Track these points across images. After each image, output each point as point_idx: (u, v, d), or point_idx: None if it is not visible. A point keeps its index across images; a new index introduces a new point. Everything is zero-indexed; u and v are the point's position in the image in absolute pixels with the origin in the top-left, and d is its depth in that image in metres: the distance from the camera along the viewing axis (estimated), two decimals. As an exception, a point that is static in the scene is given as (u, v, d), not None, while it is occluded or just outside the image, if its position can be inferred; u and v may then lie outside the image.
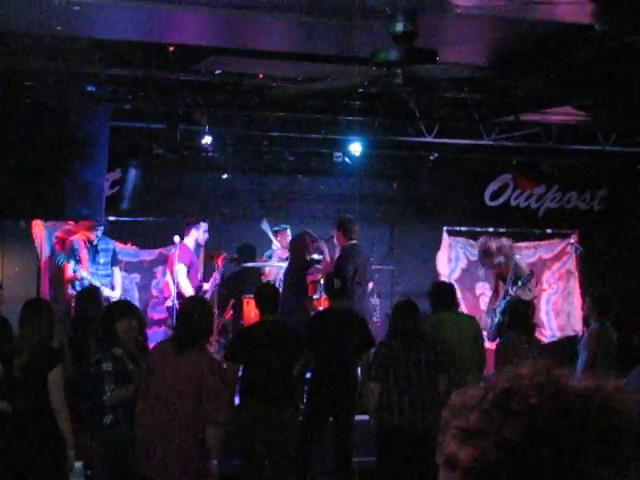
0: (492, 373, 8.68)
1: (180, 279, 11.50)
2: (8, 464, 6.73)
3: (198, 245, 11.98)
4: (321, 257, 11.85)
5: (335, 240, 11.73)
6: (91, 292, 9.13)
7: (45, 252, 12.18)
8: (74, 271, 11.16)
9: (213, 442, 6.45)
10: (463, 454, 1.46)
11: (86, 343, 8.15)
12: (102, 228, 11.40)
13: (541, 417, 1.40)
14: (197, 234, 11.94)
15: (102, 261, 11.48)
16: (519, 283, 11.28)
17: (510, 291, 11.15)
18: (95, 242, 11.43)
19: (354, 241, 11.48)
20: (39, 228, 12.18)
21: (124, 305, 7.68)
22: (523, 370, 1.47)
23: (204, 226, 11.96)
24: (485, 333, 11.91)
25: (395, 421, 7.67)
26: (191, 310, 6.62)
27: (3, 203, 10.10)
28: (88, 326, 8.30)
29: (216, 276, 12.04)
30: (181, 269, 11.54)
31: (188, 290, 11.44)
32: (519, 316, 8.79)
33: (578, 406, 1.42)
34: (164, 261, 12.26)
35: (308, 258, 11.72)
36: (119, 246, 12.63)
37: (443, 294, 8.83)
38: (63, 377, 6.87)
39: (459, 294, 13.59)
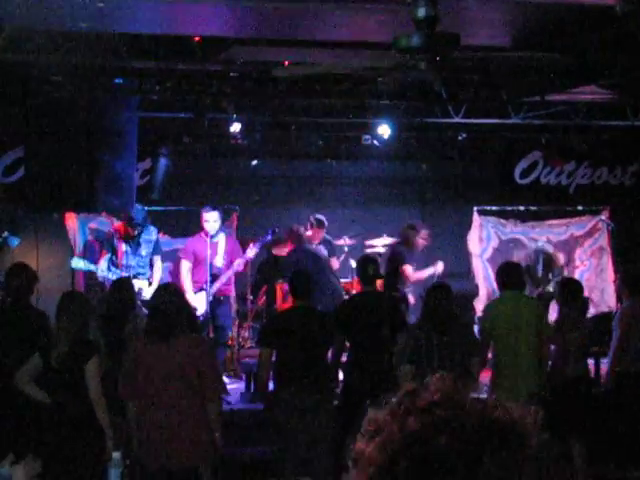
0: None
1: (182, 275, 11.31)
2: (47, 455, 6.84)
3: (207, 235, 11.20)
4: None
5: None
6: (122, 282, 9.21)
7: (79, 244, 12.32)
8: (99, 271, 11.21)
9: (214, 417, 6.62)
10: (369, 447, 1.57)
11: (118, 333, 8.25)
12: (140, 227, 11.33)
13: (441, 411, 1.54)
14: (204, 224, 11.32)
15: (144, 252, 11.45)
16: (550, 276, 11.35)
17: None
18: (136, 233, 11.39)
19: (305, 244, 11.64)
20: (72, 220, 12.32)
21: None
22: (431, 380, 1.62)
23: (204, 215, 11.24)
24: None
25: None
26: (158, 299, 6.71)
27: (35, 197, 10.24)
28: (121, 317, 8.39)
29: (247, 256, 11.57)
30: (183, 266, 11.35)
31: (187, 287, 11.08)
32: (571, 293, 8.79)
33: (473, 406, 1.57)
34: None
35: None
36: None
37: (507, 273, 8.77)
38: (100, 368, 6.96)
39: (491, 273, 13.64)
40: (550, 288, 11.89)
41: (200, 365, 6.50)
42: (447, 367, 7.65)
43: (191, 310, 7.43)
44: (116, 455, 6.75)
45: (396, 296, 11.34)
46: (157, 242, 11.64)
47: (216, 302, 11.16)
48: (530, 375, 8.35)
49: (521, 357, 8.35)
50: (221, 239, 11.25)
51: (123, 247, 11.29)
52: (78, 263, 11.30)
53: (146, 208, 11.56)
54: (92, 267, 11.25)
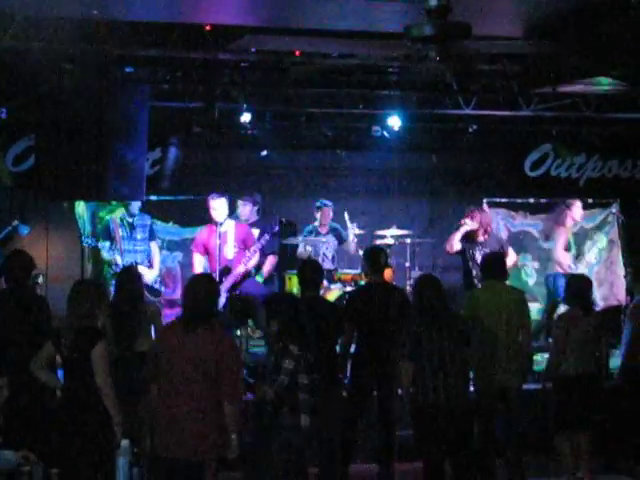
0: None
1: (194, 269, 11.13)
2: (57, 440, 6.87)
3: (216, 223, 10.99)
4: None
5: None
6: (130, 271, 9.20)
7: (88, 230, 12.32)
8: (107, 251, 11.23)
9: (232, 418, 6.51)
10: None
11: (127, 322, 8.26)
12: (138, 204, 11.42)
13: None
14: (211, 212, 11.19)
15: (139, 237, 11.48)
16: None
17: None
18: (131, 219, 11.46)
19: None
20: (81, 208, 12.33)
21: None
22: None
23: (211, 202, 11.05)
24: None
25: (428, 398, 7.65)
26: (195, 288, 6.68)
27: (46, 185, 10.25)
28: (130, 306, 8.39)
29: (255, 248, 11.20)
30: (195, 259, 11.21)
31: None
32: (575, 291, 8.76)
33: None
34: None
35: None
36: (161, 225, 12.74)
37: (490, 264, 8.80)
38: (106, 355, 6.95)
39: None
40: None
41: (222, 363, 6.44)
42: (447, 363, 7.62)
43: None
44: (124, 443, 6.75)
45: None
46: (151, 228, 11.66)
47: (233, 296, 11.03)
48: (510, 365, 8.38)
49: (501, 347, 8.35)
50: (230, 227, 11.10)
51: (120, 232, 11.33)
52: (86, 239, 11.37)
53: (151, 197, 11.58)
54: (100, 244, 11.27)
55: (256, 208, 12.07)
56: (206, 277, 7.22)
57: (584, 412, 8.52)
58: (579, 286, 8.78)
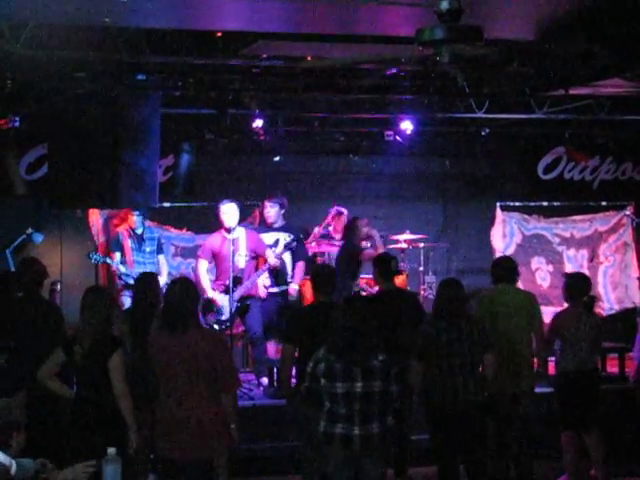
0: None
1: (199, 275, 11.14)
2: (73, 447, 6.87)
3: (226, 230, 11.08)
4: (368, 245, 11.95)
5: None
6: (148, 277, 9.20)
7: (102, 240, 12.36)
8: (115, 264, 11.35)
9: (230, 409, 6.70)
10: None
11: (146, 329, 8.25)
12: (141, 217, 11.51)
13: None
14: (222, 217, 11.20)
15: (148, 249, 11.62)
16: None
17: None
18: (140, 231, 11.57)
19: None
20: (95, 216, 12.36)
21: None
22: None
23: (221, 207, 11.14)
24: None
25: (438, 400, 7.65)
26: (174, 291, 6.78)
27: (59, 193, 10.26)
28: (147, 312, 8.38)
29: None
30: (200, 265, 11.20)
31: (205, 286, 11.03)
32: (576, 289, 8.76)
33: None
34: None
35: (357, 243, 11.70)
36: (174, 232, 12.77)
37: (500, 268, 8.78)
38: (123, 362, 6.97)
39: (514, 269, 13.58)
40: None
41: (215, 358, 6.59)
42: (457, 365, 7.61)
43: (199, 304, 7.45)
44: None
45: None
46: (159, 240, 11.77)
47: (244, 307, 11.03)
48: (521, 369, 8.36)
49: (516, 351, 8.34)
50: (241, 234, 11.09)
51: (129, 243, 11.42)
52: (94, 255, 11.47)
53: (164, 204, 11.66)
54: (108, 260, 11.41)
55: (282, 211, 11.98)
56: (184, 280, 7.31)
57: (588, 412, 8.51)
58: (579, 285, 8.79)
